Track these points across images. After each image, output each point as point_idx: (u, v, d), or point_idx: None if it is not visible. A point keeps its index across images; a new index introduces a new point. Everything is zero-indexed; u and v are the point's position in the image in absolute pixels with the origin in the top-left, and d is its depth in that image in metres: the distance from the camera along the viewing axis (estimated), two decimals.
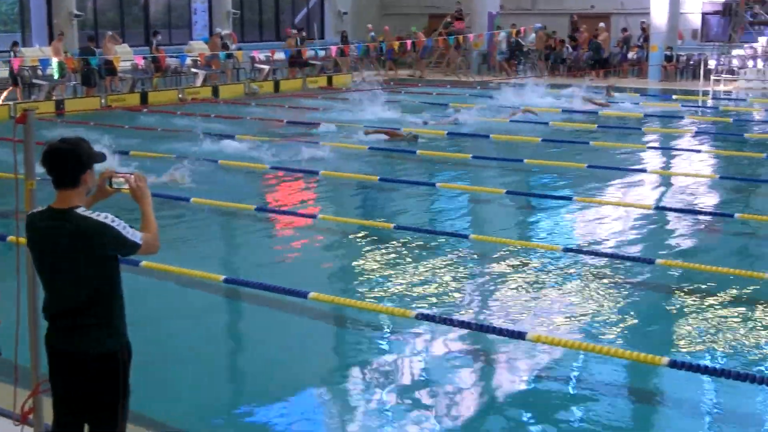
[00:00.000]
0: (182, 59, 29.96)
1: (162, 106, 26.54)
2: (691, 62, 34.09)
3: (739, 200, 14.99)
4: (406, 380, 7.78)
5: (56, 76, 26.69)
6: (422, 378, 7.86)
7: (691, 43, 35.86)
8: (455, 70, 37.07)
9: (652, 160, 18.70)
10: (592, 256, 11.04)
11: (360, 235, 12.34)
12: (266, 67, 32.64)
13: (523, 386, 7.68)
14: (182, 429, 6.78)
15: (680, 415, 7.19)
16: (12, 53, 27.00)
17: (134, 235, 4.74)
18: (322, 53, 33.76)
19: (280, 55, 32.85)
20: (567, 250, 11.19)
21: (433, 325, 8.59)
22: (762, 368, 7.78)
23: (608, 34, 36.70)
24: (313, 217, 13.20)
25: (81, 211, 4.68)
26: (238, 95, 29.86)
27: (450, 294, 9.86)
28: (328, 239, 12.68)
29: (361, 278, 10.51)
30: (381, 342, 8.66)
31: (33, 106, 23.43)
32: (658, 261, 10.46)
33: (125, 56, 28.93)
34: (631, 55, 35.91)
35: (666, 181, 16.49)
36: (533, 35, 36.96)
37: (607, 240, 12.18)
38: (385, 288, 9.98)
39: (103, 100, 26.64)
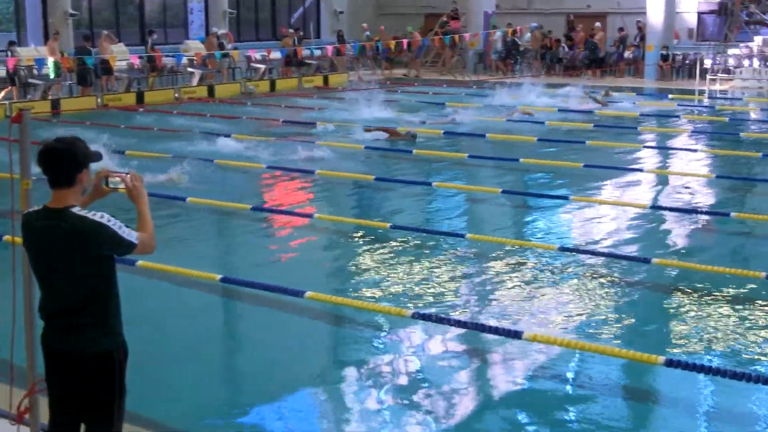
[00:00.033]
0: (178, 59, 29.94)
1: (158, 106, 26.53)
2: (687, 61, 34.13)
3: (735, 199, 15.00)
4: (403, 379, 7.77)
5: (52, 76, 26.65)
6: (418, 377, 7.85)
7: (687, 43, 35.87)
8: (451, 69, 37.08)
9: (649, 159, 18.72)
10: (589, 256, 11.05)
11: (356, 234, 12.34)
12: (262, 67, 32.62)
13: (519, 385, 7.68)
14: (179, 429, 6.78)
15: (676, 414, 7.20)
16: (8, 53, 26.95)
17: (130, 234, 4.74)
18: (318, 53, 33.74)
19: (276, 55, 32.85)
20: (563, 249, 11.19)
21: (429, 324, 8.58)
22: (758, 367, 7.78)
23: (604, 34, 36.73)
24: (309, 216, 13.20)
25: (77, 210, 4.68)
26: (235, 95, 29.85)
27: (446, 293, 9.86)
28: (324, 239, 12.67)
29: (357, 277, 10.50)
30: (377, 341, 8.66)
31: (29, 105, 23.42)
32: (654, 260, 10.47)
33: (121, 55, 28.89)
34: (627, 54, 35.94)
35: (662, 181, 16.51)
36: (529, 34, 36.98)
37: (604, 239, 12.18)
38: (381, 287, 9.98)
39: (99, 100, 26.62)
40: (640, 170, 17.10)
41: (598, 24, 36.86)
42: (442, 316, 8.58)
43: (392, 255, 11.28)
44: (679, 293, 9.82)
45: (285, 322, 9.19)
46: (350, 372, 7.96)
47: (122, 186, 4.95)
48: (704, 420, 7.06)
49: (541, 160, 17.23)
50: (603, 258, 10.95)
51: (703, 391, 7.48)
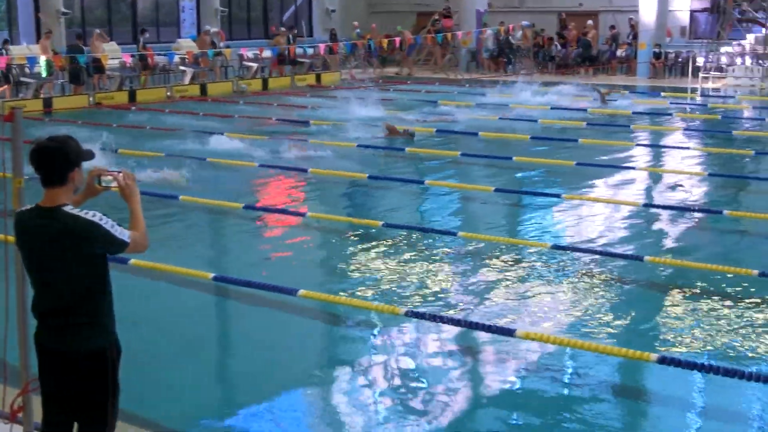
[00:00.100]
0: (170, 57, 29.89)
1: (150, 104, 26.50)
2: (680, 59, 34.18)
3: (727, 197, 15.02)
4: (396, 377, 7.77)
5: (44, 74, 26.59)
6: (411, 375, 7.85)
7: (680, 41, 35.92)
8: (443, 68, 37.09)
9: (641, 157, 18.73)
10: (581, 254, 11.06)
11: (349, 232, 12.33)
12: (255, 65, 32.59)
13: (512, 383, 7.69)
14: (173, 428, 6.77)
15: (669, 411, 7.21)
16: (2, 51, 26.90)
17: (122, 233, 4.73)
18: (310, 51, 33.72)
19: (268, 53, 32.82)
20: (556, 247, 11.20)
21: (422, 322, 8.59)
22: (750, 364, 7.79)
23: (596, 32, 36.76)
24: (302, 215, 13.20)
25: (69, 209, 4.67)
26: (227, 93, 29.82)
27: (439, 291, 9.86)
28: (317, 237, 12.67)
29: (350, 276, 10.50)
30: (370, 339, 8.66)
31: (21, 104, 23.38)
32: (647, 258, 10.48)
33: (113, 54, 28.83)
34: (619, 52, 35.97)
35: (655, 179, 16.53)
36: (520, 33, 37.00)
37: (596, 237, 12.19)
38: (374, 285, 9.98)
39: (91, 98, 26.58)
40: (633, 168, 17.12)
41: (590, 22, 36.91)
42: (435, 314, 8.58)
43: (385, 253, 11.28)
44: (671, 291, 9.83)
45: (278, 321, 9.19)
46: (344, 370, 7.96)
47: (115, 185, 4.94)
48: (697, 417, 7.08)
49: (534, 159, 17.25)
50: (596, 256, 10.96)
51: (695, 388, 7.49)
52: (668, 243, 12.09)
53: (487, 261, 10.95)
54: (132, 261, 9.15)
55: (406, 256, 11.15)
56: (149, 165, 15.64)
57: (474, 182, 16.12)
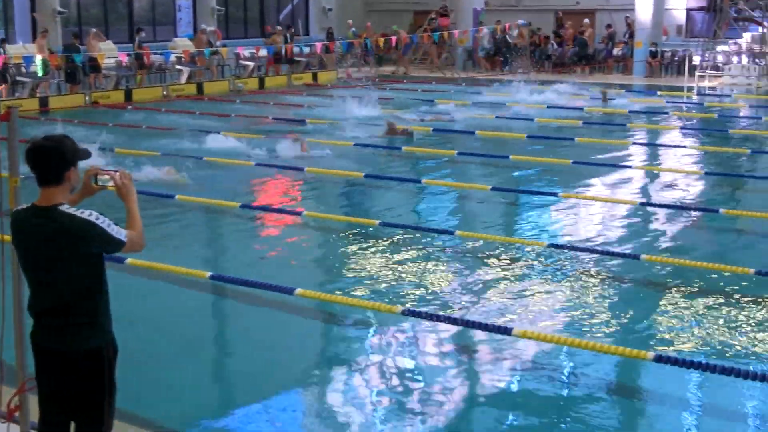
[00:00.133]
0: (167, 56, 29.87)
1: (146, 103, 26.48)
2: (676, 58, 34.21)
3: (724, 195, 15.04)
4: (393, 376, 7.77)
5: (40, 74, 26.58)
6: (408, 374, 7.85)
7: (676, 39, 35.94)
8: (440, 66, 37.09)
9: (637, 156, 18.75)
10: (578, 252, 11.06)
11: (346, 231, 12.32)
12: (251, 64, 32.58)
13: (508, 382, 7.69)
14: (169, 428, 6.77)
15: (666, 410, 7.22)
16: (1, 50, 26.88)
17: (119, 232, 4.73)
18: (307, 50, 33.71)
19: (265, 52, 32.80)
20: (552, 246, 11.20)
21: (419, 321, 8.58)
22: (746, 363, 7.80)
23: (593, 31, 36.78)
24: (298, 214, 13.19)
25: (65, 208, 4.66)
26: (223, 92, 29.81)
27: (436, 290, 9.86)
28: (313, 236, 12.67)
29: (347, 274, 10.49)
30: (367, 338, 8.65)
31: (17, 103, 23.28)
32: (644, 256, 10.48)
33: (109, 53, 28.83)
34: (616, 51, 35.99)
35: (651, 177, 16.54)
36: (516, 31, 36.99)
37: (593, 236, 12.20)
38: (370, 284, 9.97)
39: (87, 98, 26.55)
40: (630, 167, 17.13)
41: (586, 21, 36.90)
42: (432, 312, 8.58)
43: (382, 252, 11.28)
44: (668, 289, 9.83)
45: (275, 320, 9.19)
46: (341, 370, 7.96)
47: (111, 184, 4.94)
48: (693, 415, 7.09)
49: (531, 157, 17.25)
50: (592, 254, 10.96)
51: (692, 386, 7.50)
52: (665, 241, 12.09)
53: (484, 260, 10.95)
54: (129, 260, 9.14)
55: (403, 255, 11.15)
56: (146, 164, 15.62)
57: (471, 181, 16.11)
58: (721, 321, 8.82)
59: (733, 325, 8.73)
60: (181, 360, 8.15)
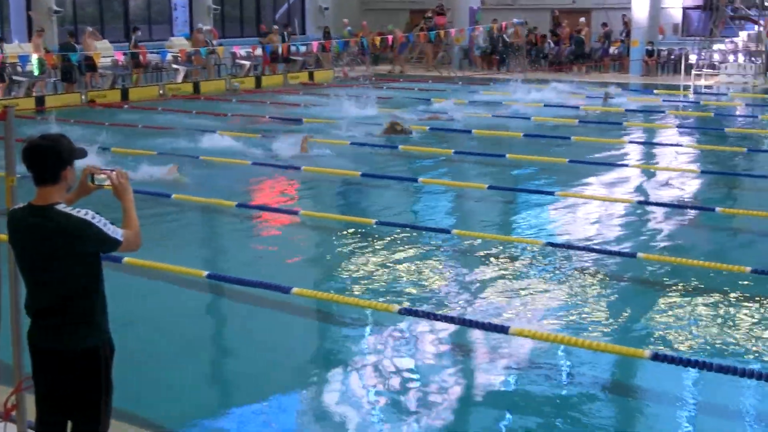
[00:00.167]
0: (163, 55, 29.86)
1: (143, 102, 26.46)
2: (672, 57, 34.23)
3: (720, 194, 15.05)
4: (390, 375, 7.77)
5: (36, 73, 26.56)
6: (405, 373, 7.85)
7: (672, 38, 35.95)
8: (436, 65, 37.10)
9: (634, 154, 18.76)
10: (574, 251, 11.06)
11: (342, 230, 12.32)
12: (247, 63, 32.57)
13: (505, 380, 7.69)
14: (165, 427, 6.76)
15: (662, 408, 7.22)
16: None
17: (115, 232, 4.72)
18: (303, 49, 33.70)
19: (260, 51, 32.79)
20: (549, 244, 11.21)
21: (416, 319, 8.58)
22: (743, 361, 7.81)
23: (589, 29, 36.80)
24: (295, 213, 13.19)
25: (62, 207, 4.66)
26: (220, 91, 29.80)
27: (433, 289, 9.87)
28: (310, 235, 12.67)
29: (344, 274, 10.49)
30: (364, 337, 8.65)
31: (13, 102, 23.28)
32: (640, 255, 10.49)
33: (105, 52, 28.81)
34: (612, 50, 36.01)
35: (647, 176, 16.54)
36: (512, 30, 37.00)
37: (589, 234, 12.21)
38: (367, 283, 9.97)
39: (83, 97, 26.53)
40: (626, 166, 17.13)
41: (583, 19, 36.91)
42: (429, 311, 8.58)
43: (379, 251, 11.28)
44: (664, 288, 9.84)
45: (272, 319, 9.19)
46: (339, 369, 7.96)
47: (108, 183, 4.93)
48: (690, 414, 7.09)
49: (528, 156, 17.24)
50: (589, 253, 10.97)
51: (689, 385, 7.50)
52: (661, 240, 12.09)
53: (481, 259, 10.95)
54: (125, 260, 9.13)
55: (400, 254, 11.15)
56: (146, 163, 15.60)
57: (467, 180, 16.12)
58: (717, 319, 8.83)
59: (730, 323, 8.74)
60: (182, 360, 8.15)
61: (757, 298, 9.36)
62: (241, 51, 32.37)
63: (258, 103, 26.56)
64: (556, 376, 7.67)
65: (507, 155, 17.13)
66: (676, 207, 13.56)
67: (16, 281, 5.38)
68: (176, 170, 15.23)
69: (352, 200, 15.12)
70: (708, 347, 8.17)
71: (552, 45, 37.07)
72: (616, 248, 11.30)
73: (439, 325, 8.55)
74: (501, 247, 11.31)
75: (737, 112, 25.37)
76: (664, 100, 26.96)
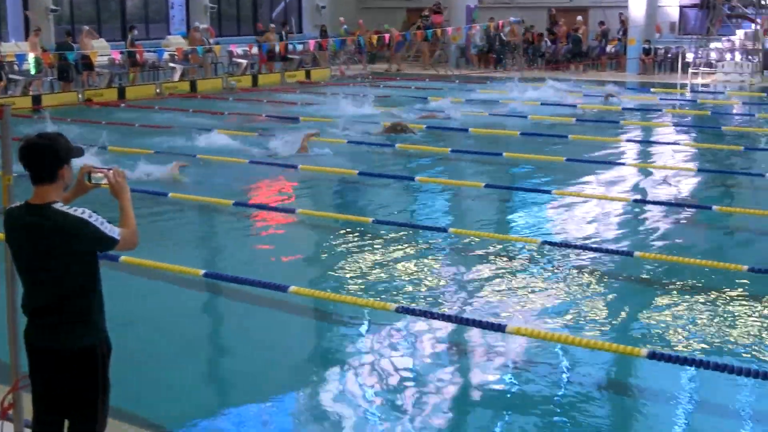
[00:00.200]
0: (159, 54, 29.84)
1: (140, 101, 26.45)
2: (669, 55, 34.24)
3: (717, 192, 15.06)
4: (386, 374, 7.77)
5: (33, 72, 26.53)
6: (402, 371, 7.85)
7: (669, 36, 35.97)
8: (433, 64, 37.10)
9: (631, 153, 18.76)
10: (571, 249, 11.06)
11: (339, 229, 12.32)
12: (244, 62, 32.56)
13: (502, 378, 7.70)
14: (163, 427, 6.76)
15: (659, 406, 7.22)
16: None
17: (112, 230, 4.72)
18: (300, 47, 33.69)
19: (256, 50, 32.79)
20: (546, 243, 11.22)
21: (413, 318, 8.59)
22: (740, 359, 7.81)
23: (586, 28, 36.81)
24: (292, 211, 13.19)
25: (59, 206, 4.66)
26: (217, 90, 29.79)
27: (430, 287, 9.86)
28: (307, 234, 12.66)
29: (340, 272, 10.49)
30: (361, 335, 8.65)
31: (9, 101, 23.30)
32: (637, 253, 10.50)
33: (102, 51, 28.78)
34: (609, 48, 36.03)
35: (644, 174, 16.55)
36: (508, 28, 37.00)
37: (586, 233, 12.21)
38: (364, 282, 9.98)
39: (80, 96, 26.52)
40: (623, 164, 17.14)
41: (579, 18, 36.93)
42: (426, 310, 8.59)
43: (376, 249, 11.28)
44: (661, 286, 9.85)
45: (270, 318, 9.18)
46: (336, 367, 7.96)
47: (105, 182, 4.93)
48: (687, 412, 7.10)
49: (525, 155, 17.24)
50: (586, 251, 10.97)
51: (685, 383, 7.51)
52: (658, 238, 12.10)
53: (478, 257, 10.95)
54: (122, 258, 9.13)
55: (397, 252, 11.15)
56: (141, 161, 15.59)
57: (464, 178, 16.13)
58: (714, 318, 8.84)
59: (727, 321, 8.75)
60: (181, 360, 8.14)
61: (754, 297, 9.37)
62: (238, 49, 32.35)
63: (255, 102, 26.55)
64: (552, 375, 7.67)
65: (504, 154, 17.13)
66: (673, 205, 13.58)
67: (13, 280, 5.37)
68: (178, 168, 15.22)
69: (350, 199, 15.12)
70: (705, 345, 8.18)
71: (549, 43, 37.09)
72: (613, 247, 11.30)
73: (436, 323, 8.55)
74: (498, 246, 11.32)
75: (734, 111, 25.38)
76: (661, 99, 26.97)
